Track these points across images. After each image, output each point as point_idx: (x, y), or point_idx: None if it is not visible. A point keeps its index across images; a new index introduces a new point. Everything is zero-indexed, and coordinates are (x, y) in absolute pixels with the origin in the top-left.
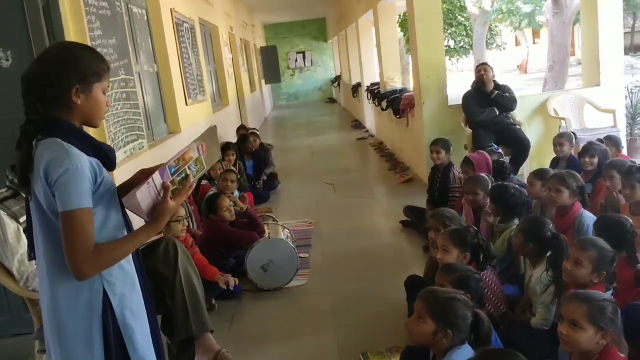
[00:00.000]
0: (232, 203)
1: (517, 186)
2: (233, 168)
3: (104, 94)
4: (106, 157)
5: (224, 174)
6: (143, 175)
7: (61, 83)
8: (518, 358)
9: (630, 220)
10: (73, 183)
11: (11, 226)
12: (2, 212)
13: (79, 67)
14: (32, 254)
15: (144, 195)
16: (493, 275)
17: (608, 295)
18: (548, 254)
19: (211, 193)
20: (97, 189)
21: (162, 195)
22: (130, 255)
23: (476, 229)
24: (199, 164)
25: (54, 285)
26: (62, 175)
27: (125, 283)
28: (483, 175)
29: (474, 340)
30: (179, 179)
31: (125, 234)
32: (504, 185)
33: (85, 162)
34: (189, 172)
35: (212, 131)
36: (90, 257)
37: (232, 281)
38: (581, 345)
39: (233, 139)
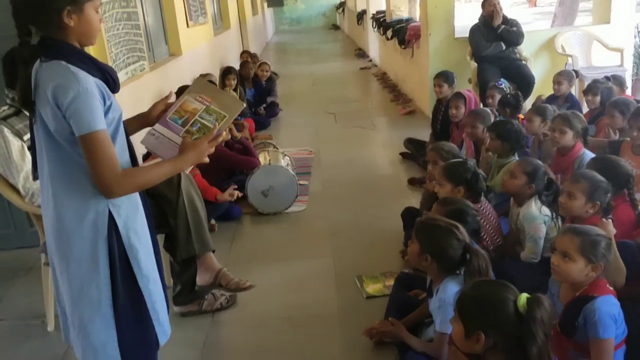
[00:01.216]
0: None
1: (517, 124)
2: (233, 92)
3: (96, 11)
4: (110, 78)
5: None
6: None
7: (51, 5)
8: (509, 288)
9: (624, 161)
10: (86, 106)
11: (15, 144)
12: (5, 129)
13: None
14: (36, 174)
15: (153, 144)
16: (489, 207)
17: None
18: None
19: None
20: (107, 112)
21: (177, 141)
22: None
23: (474, 160)
24: (214, 113)
25: (60, 206)
26: (74, 100)
27: (129, 205)
28: (484, 108)
29: (465, 273)
30: (194, 128)
31: (128, 158)
32: (507, 121)
33: (92, 84)
34: (204, 121)
35: (201, 82)
36: (119, 176)
37: (235, 192)
38: (571, 276)
39: (235, 63)
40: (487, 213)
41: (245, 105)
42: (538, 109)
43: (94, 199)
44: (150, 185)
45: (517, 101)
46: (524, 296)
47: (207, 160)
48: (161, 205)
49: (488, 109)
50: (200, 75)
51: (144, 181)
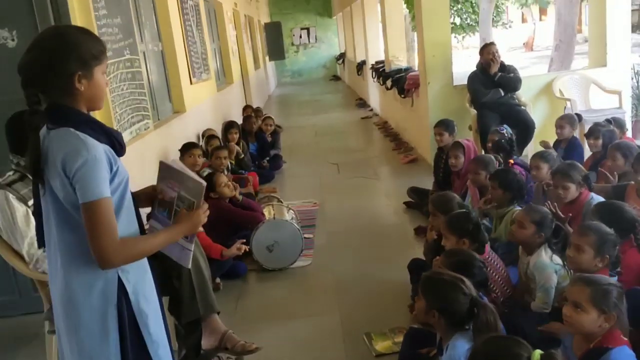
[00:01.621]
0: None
1: (518, 171)
2: (225, 145)
3: (104, 73)
4: (117, 142)
5: (215, 151)
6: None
7: (63, 71)
8: (522, 344)
9: (628, 206)
10: (92, 173)
11: (20, 209)
12: (10, 195)
13: (79, 52)
14: (41, 241)
15: None
16: (496, 257)
17: (614, 279)
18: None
19: (205, 172)
20: (113, 177)
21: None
22: None
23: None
24: (185, 200)
25: (69, 275)
26: (82, 167)
27: (138, 269)
28: (487, 155)
29: (473, 328)
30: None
31: (135, 219)
32: (509, 170)
33: (101, 151)
34: (180, 208)
35: (165, 167)
36: (117, 246)
37: (243, 246)
38: (584, 328)
39: (238, 117)
40: (494, 263)
41: (205, 184)
42: (545, 156)
43: None
44: (145, 255)
45: (511, 146)
46: (537, 353)
47: (201, 229)
48: (165, 267)
49: (491, 156)
50: (206, 130)
51: (140, 251)
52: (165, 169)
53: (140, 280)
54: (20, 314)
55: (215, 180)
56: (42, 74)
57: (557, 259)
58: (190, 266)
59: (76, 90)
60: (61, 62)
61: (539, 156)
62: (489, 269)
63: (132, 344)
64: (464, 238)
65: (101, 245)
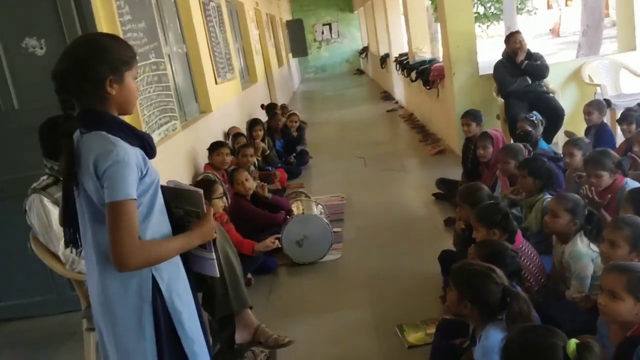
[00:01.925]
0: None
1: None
2: (251, 142)
3: (135, 79)
4: (148, 145)
5: (241, 149)
6: None
7: (95, 76)
8: (557, 334)
9: None
10: (121, 174)
11: (54, 212)
12: (45, 199)
13: (110, 57)
14: (69, 242)
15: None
16: (530, 246)
17: None
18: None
19: (231, 168)
20: (143, 178)
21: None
22: None
23: (502, 200)
24: (192, 214)
25: (104, 275)
26: (110, 167)
27: (171, 268)
28: (517, 144)
29: (506, 318)
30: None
31: (167, 221)
32: (538, 158)
33: (131, 154)
34: (191, 222)
35: (166, 190)
36: (136, 249)
37: (275, 241)
38: (620, 316)
39: (263, 116)
40: (528, 252)
41: (201, 191)
42: (578, 143)
43: None
44: (162, 260)
45: (528, 137)
46: (573, 342)
47: (215, 235)
48: None
49: (521, 144)
50: (232, 128)
51: (158, 255)
52: (166, 192)
53: (174, 279)
54: (58, 312)
55: (235, 176)
56: (74, 80)
57: (594, 247)
58: (218, 275)
59: (108, 94)
60: (93, 68)
61: (571, 143)
62: (522, 258)
63: (167, 341)
64: (494, 229)
65: (120, 247)
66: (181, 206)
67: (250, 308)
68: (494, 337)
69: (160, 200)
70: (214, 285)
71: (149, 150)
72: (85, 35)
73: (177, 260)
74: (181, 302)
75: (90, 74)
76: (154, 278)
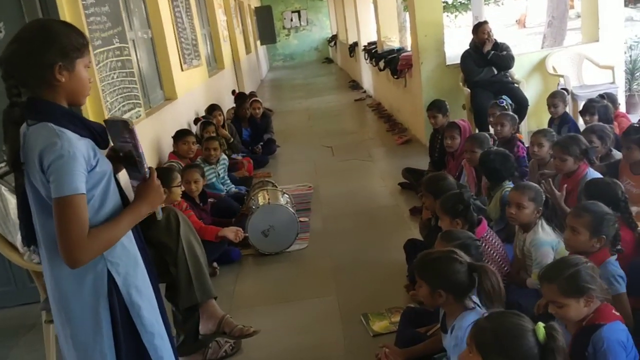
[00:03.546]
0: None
1: (499, 150)
2: (215, 135)
3: (87, 67)
4: (99, 136)
5: (206, 142)
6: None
7: (43, 61)
8: (525, 318)
9: (613, 182)
10: (66, 168)
11: (12, 201)
12: (2, 187)
13: (60, 42)
14: (25, 239)
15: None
16: (494, 234)
17: (581, 260)
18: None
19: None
20: (92, 169)
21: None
22: (130, 232)
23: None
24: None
25: (57, 271)
26: (55, 161)
27: (128, 261)
28: (482, 133)
29: (479, 295)
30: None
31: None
32: (486, 152)
33: (78, 146)
34: (141, 158)
35: (112, 123)
36: (86, 244)
37: (240, 232)
38: (572, 319)
39: (230, 103)
40: (492, 241)
41: (125, 119)
42: (548, 134)
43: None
44: (114, 243)
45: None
46: (541, 325)
47: (163, 198)
48: (161, 254)
49: (486, 134)
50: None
51: (108, 241)
52: (112, 125)
53: (132, 272)
54: (17, 304)
55: (185, 175)
56: (22, 65)
57: (552, 235)
58: (161, 216)
59: (57, 81)
60: (41, 52)
61: (541, 134)
62: (487, 246)
63: (125, 336)
64: (457, 219)
65: (69, 243)
66: (128, 140)
67: (215, 298)
68: (468, 326)
69: (113, 192)
70: (178, 276)
71: (100, 140)
72: (37, 20)
73: (135, 253)
74: (140, 296)
75: (39, 59)
76: (109, 272)
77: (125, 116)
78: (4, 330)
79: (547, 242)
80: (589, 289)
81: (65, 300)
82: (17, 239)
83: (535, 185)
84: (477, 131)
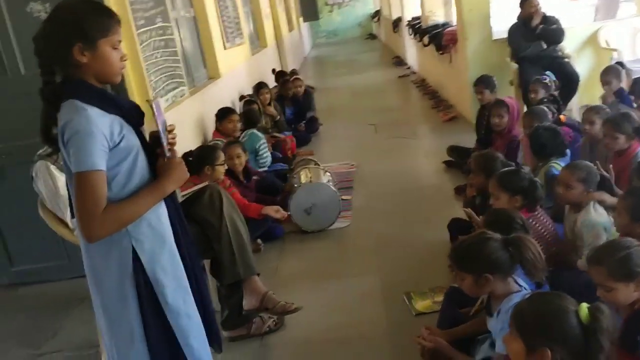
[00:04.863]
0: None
1: (550, 125)
2: (238, 139)
3: (115, 48)
4: (127, 113)
5: (227, 148)
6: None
7: (63, 41)
8: (567, 299)
9: None
10: (83, 144)
11: (61, 179)
12: (51, 165)
13: (80, 24)
14: (72, 213)
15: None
16: (544, 213)
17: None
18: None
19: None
20: (116, 146)
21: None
22: (160, 210)
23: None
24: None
25: (87, 245)
26: (73, 136)
27: (154, 239)
28: (541, 107)
29: (523, 269)
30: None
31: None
32: (536, 127)
33: (97, 123)
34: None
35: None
36: (99, 218)
37: (282, 210)
38: (620, 302)
39: (272, 83)
40: (543, 219)
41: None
42: (599, 111)
43: (116, 235)
44: (133, 220)
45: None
46: (584, 306)
47: (187, 175)
48: (205, 231)
49: (544, 107)
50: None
51: (126, 218)
52: (156, 105)
53: (157, 250)
54: (70, 277)
55: (228, 150)
56: (46, 45)
57: (606, 216)
58: None
59: (77, 62)
60: (61, 33)
61: (593, 111)
62: (537, 224)
63: (151, 310)
64: (517, 195)
65: (81, 217)
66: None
67: (258, 275)
68: None
69: (141, 167)
70: (221, 252)
71: (130, 118)
72: (67, 0)
73: (163, 231)
74: (165, 275)
75: (59, 39)
76: (134, 250)
77: (170, 95)
78: (57, 303)
79: (599, 223)
80: (639, 274)
81: (95, 272)
82: (67, 214)
83: (588, 164)
84: (525, 108)
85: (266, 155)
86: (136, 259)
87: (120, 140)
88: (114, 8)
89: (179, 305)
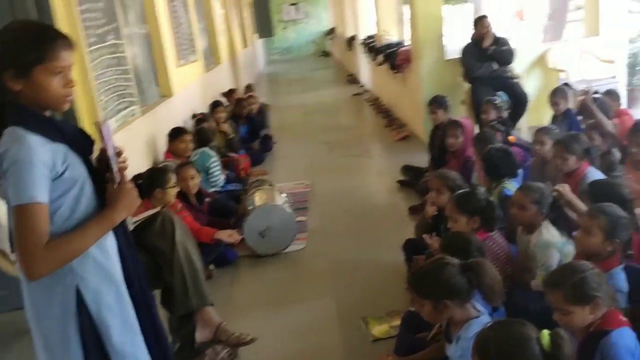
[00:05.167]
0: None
1: (502, 147)
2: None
3: (56, 74)
4: (72, 140)
5: (180, 170)
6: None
7: None
8: (529, 326)
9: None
10: (22, 175)
11: (2, 208)
12: None
13: (13, 49)
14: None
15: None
16: (500, 235)
17: (588, 266)
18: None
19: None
20: (60, 176)
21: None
22: (107, 245)
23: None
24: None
25: (27, 282)
26: (11, 166)
27: (99, 277)
28: (489, 130)
29: (481, 293)
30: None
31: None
32: (488, 148)
33: (38, 153)
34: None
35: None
36: (41, 254)
37: (235, 234)
38: (577, 326)
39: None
40: (499, 240)
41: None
42: (551, 132)
43: (60, 271)
44: (79, 254)
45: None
46: (546, 333)
47: (139, 201)
48: (156, 260)
49: (492, 131)
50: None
51: (70, 252)
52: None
53: (104, 289)
54: (12, 309)
55: (181, 172)
56: None
57: (558, 236)
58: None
59: (10, 89)
60: None
61: (543, 131)
62: (493, 245)
63: (96, 354)
64: (475, 216)
65: (22, 253)
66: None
67: (211, 305)
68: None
69: (88, 197)
70: (173, 282)
71: (80, 147)
72: (13, 21)
73: (110, 267)
74: (111, 315)
75: None
76: (78, 288)
77: (120, 115)
78: None
79: (553, 243)
80: (595, 297)
81: (36, 311)
82: (7, 246)
83: (541, 186)
84: (477, 127)
85: (218, 174)
86: (80, 297)
87: (64, 171)
88: (64, 25)
89: (125, 347)
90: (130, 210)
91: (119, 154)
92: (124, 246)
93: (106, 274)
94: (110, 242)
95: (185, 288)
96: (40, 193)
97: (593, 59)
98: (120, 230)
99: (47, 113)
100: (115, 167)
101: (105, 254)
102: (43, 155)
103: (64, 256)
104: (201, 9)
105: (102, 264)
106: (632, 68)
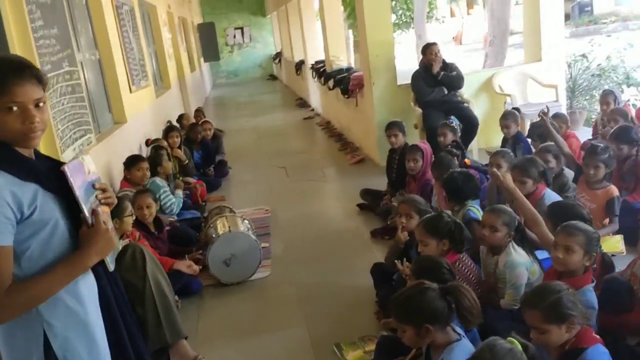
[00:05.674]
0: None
1: (463, 170)
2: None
3: (11, 109)
4: (49, 180)
5: (136, 198)
6: None
7: None
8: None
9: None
10: None
11: None
12: None
13: None
14: None
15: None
16: (468, 257)
17: (562, 286)
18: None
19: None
20: (28, 218)
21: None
22: (83, 292)
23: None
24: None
25: None
26: None
27: (70, 324)
28: (447, 156)
29: (459, 317)
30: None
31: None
32: (450, 172)
33: (3, 192)
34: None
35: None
36: (2, 300)
37: (194, 265)
38: (554, 344)
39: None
40: (468, 262)
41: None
42: (506, 155)
43: (25, 315)
44: (44, 300)
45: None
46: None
47: (115, 243)
48: (127, 294)
49: (449, 157)
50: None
51: (34, 297)
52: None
53: (75, 336)
54: None
55: (137, 200)
56: None
57: (525, 255)
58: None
59: None
60: None
61: (499, 155)
62: (462, 267)
63: None
64: (445, 239)
65: None
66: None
67: (186, 338)
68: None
69: (60, 239)
70: (146, 317)
71: (51, 184)
72: None
73: (83, 315)
74: None
75: None
76: (45, 334)
77: (77, 143)
78: None
79: (522, 263)
80: (570, 315)
81: (3, 352)
82: None
83: (508, 208)
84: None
85: (170, 203)
86: (47, 344)
87: (32, 212)
88: (20, 53)
89: None
90: (104, 254)
91: (104, 190)
92: (107, 285)
93: (78, 321)
94: (85, 286)
95: (159, 321)
96: (3, 235)
97: (535, 84)
98: (101, 272)
99: (26, 152)
100: (85, 208)
101: (78, 300)
102: (7, 196)
103: (27, 302)
104: (149, 33)
105: (74, 310)
106: (572, 91)
